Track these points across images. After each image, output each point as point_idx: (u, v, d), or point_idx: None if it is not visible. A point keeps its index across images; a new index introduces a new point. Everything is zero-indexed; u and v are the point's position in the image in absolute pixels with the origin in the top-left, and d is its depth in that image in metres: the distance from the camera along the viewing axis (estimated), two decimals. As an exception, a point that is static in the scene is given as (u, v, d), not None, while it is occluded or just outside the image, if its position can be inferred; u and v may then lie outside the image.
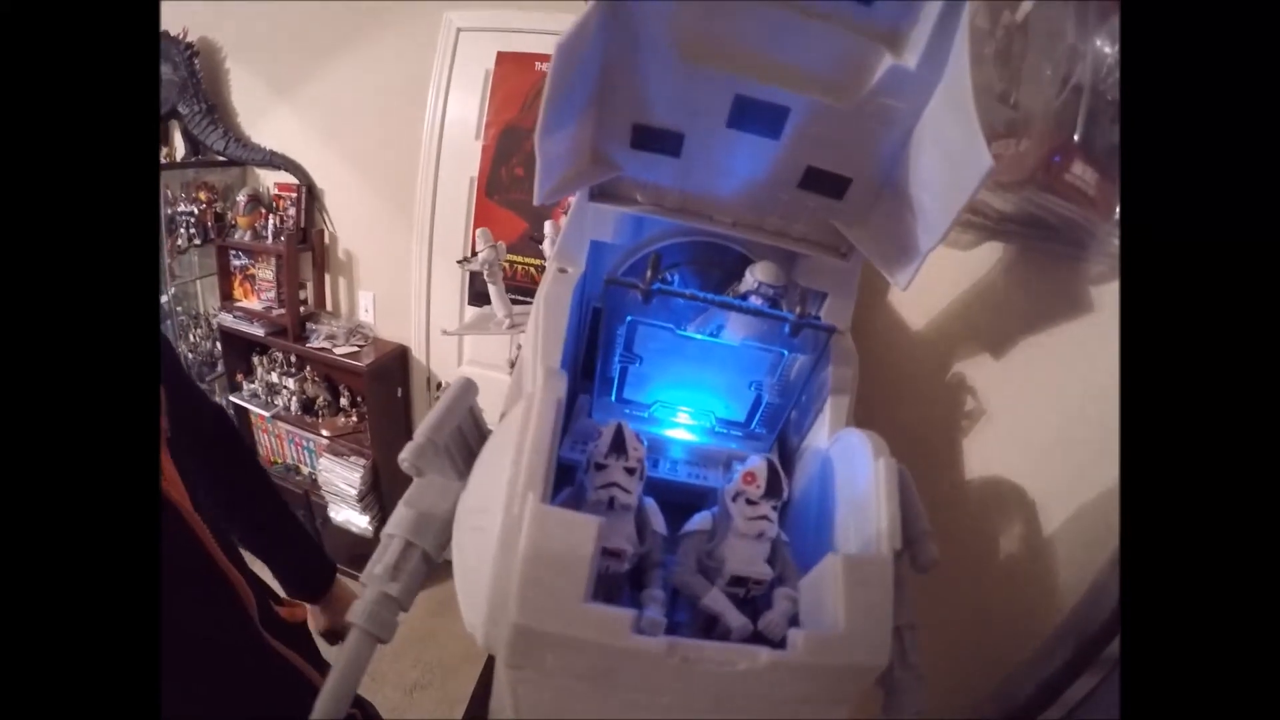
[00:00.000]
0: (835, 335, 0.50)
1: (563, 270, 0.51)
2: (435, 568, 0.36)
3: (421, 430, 0.35)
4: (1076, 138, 0.41)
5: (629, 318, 0.44)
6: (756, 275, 0.47)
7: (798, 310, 0.43)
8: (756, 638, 0.35)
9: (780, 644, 0.31)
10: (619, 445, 0.36)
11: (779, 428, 0.52)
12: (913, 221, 0.41)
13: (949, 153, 0.36)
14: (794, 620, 0.35)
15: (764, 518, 0.38)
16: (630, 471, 0.36)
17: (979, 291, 0.64)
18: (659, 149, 0.45)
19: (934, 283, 0.68)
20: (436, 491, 0.37)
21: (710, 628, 0.37)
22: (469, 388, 0.40)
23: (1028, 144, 0.44)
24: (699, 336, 0.47)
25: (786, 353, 0.47)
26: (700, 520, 0.41)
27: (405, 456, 0.34)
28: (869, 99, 0.39)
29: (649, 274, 0.40)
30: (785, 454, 0.53)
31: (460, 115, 1.72)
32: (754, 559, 0.38)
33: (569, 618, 0.26)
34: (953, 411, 0.66)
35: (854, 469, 0.39)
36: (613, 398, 0.51)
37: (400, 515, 0.36)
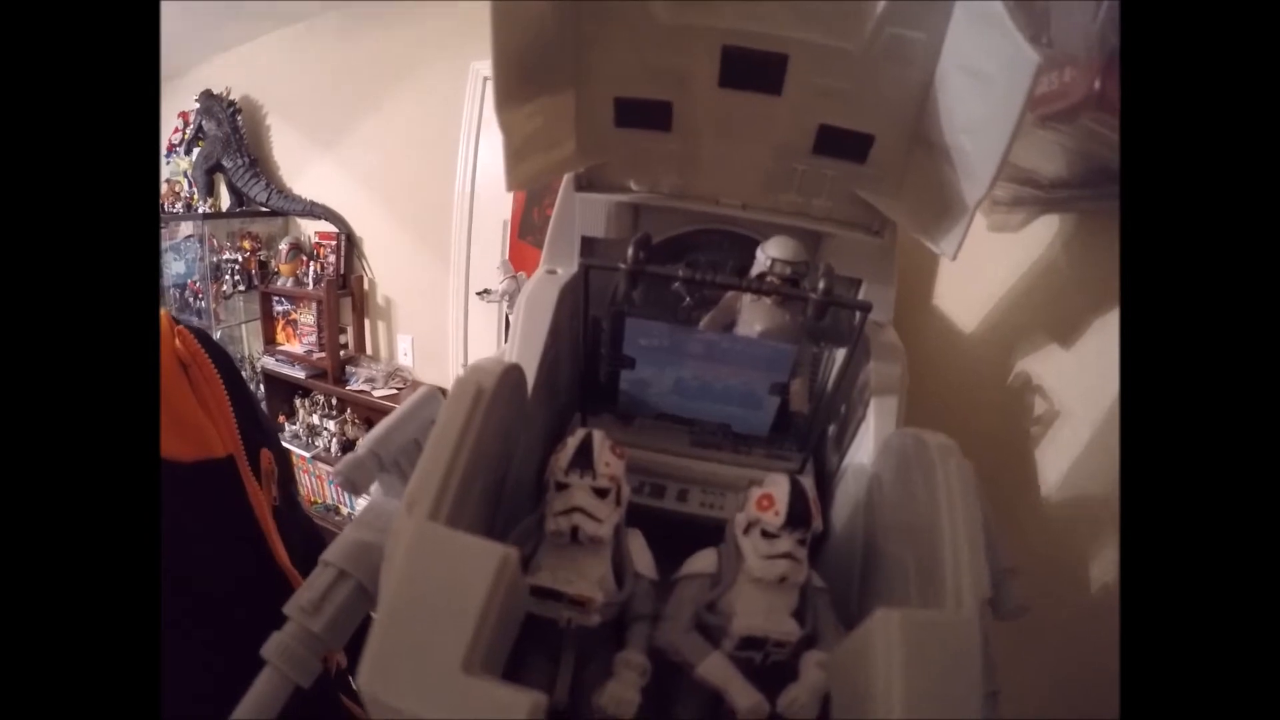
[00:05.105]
0: (876, 328, 0.42)
1: (551, 271, 0.46)
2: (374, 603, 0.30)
3: (364, 442, 0.30)
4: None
5: (614, 310, 0.38)
6: (769, 252, 0.39)
7: (820, 288, 0.35)
8: None
9: None
10: (584, 458, 0.28)
11: (812, 443, 0.44)
12: (952, 174, 0.34)
13: (984, 75, 0.29)
14: (830, 698, 0.27)
15: (787, 555, 0.29)
16: (600, 493, 0.28)
17: (1038, 274, 0.56)
18: (646, 124, 0.40)
19: (985, 274, 0.61)
20: (388, 516, 0.31)
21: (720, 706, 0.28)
22: (431, 398, 0.35)
23: (1072, 72, 0.38)
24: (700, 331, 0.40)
25: (813, 346, 0.40)
26: (702, 560, 0.32)
27: (339, 469, 0.28)
28: (878, 33, 0.33)
29: (632, 254, 0.34)
30: (825, 480, 0.44)
31: (491, 160, 1.74)
32: (773, 612, 0.29)
33: (436, 694, 0.18)
34: (1021, 419, 0.56)
35: (911, 483, 0.30)
36: (607, 412, 0.44)
37: (340, 541, 0.30)
